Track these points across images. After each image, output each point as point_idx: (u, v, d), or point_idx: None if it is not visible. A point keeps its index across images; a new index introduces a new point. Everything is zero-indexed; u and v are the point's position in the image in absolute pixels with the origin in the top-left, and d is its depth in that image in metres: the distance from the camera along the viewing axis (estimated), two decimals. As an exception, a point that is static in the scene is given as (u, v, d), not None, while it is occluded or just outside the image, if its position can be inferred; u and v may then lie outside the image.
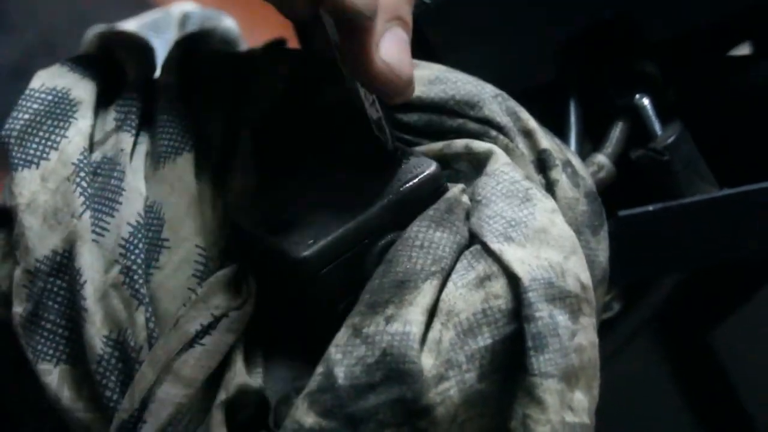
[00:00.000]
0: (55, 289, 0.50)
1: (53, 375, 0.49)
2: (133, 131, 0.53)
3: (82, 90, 0.54)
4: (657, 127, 0.60)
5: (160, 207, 0.51)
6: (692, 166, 0.60)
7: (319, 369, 0.44)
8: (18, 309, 0.50)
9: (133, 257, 0.49)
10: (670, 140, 0.59)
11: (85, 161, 0.52)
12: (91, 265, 0.49)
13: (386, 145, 0.50)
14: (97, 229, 0.50)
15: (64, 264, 0.50)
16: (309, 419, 0.44)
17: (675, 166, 0.59)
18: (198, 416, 0.47)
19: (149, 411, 0.46)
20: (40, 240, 0.50)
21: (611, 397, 0.49)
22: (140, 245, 0.49)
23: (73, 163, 0.51)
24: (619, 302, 0.68)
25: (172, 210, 0.50)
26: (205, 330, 0.48)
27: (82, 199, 0.50)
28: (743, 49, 0.64)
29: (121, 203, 0.50)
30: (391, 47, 0.46)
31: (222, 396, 0.47)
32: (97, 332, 0.48)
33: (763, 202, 0.58)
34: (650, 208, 0.58)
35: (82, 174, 0.51)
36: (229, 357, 0.48)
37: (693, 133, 0.60)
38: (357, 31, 0.46)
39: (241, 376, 0.47)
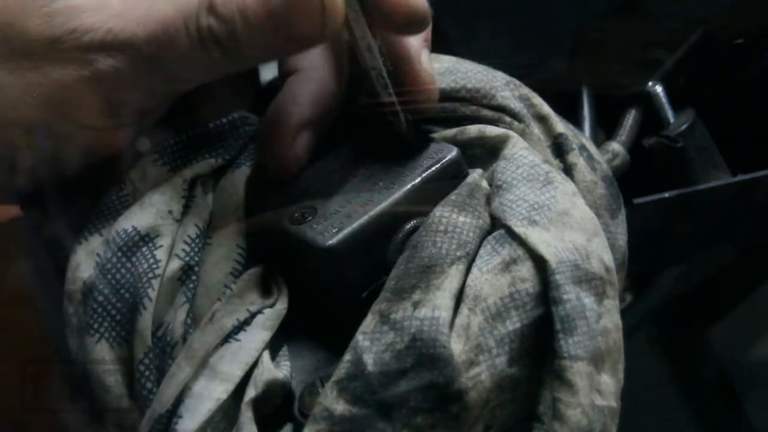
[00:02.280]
0: (119, 265, 0.48)
1: (95, 348, 0.47)
2: None
3: None
4: (670, 114, 0.60)
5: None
6: (705, 153, 0.60)
7: (347, 356, 0.44)
8: (83, 274, 0.48)
9: (197, 258, 0.48)
10: (683, 127, 0.60)
11: None
12: (166, 260, 0.48)
13: (400, 130, 0.49)
14: None
15: (140, 246, 0.48)
16: (339, 407, 0.43)
17: (688, 153, 0.59)
18: (229, 413, 0.46)
19: (185, 406, 0.45)
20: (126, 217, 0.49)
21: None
22: (201, 246, 0.49)
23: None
24: (631, 293, 0.68)
25: (219, 210, 0.50)
26: (241, 326, 0.47)
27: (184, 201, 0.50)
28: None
29: (190, 207, 0.50)
30: None
31: (251, 393, 0.46)
32: (149, 325, 0.47)
33: (778, 188, 0.58)
34: (666, 195, 0.58)
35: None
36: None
37: (705, 120, 0.60)
38: None
39: (269, 371, 0.46)
